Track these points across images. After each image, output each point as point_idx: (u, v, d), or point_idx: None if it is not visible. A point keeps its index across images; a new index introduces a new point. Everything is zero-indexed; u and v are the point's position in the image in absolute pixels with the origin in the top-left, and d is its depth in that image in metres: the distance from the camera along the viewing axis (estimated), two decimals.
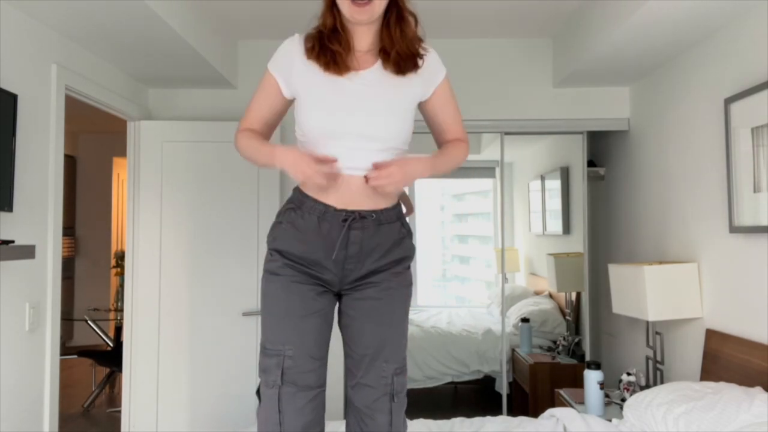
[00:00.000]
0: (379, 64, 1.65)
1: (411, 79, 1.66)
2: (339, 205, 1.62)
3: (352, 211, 1.62)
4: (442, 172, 1.69)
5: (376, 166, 1.57)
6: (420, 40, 1.69)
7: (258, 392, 1.66)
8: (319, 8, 1.66)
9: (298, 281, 1.63)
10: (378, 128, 1.60)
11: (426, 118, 1.78)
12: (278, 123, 1.77)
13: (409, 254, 1.72)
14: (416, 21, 1.67)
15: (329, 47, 1.61)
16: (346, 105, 1.60)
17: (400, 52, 1.64)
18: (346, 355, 1.70)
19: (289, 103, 1.73)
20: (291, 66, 1.65)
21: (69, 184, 6.77)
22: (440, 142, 1.79)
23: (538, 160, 4.57)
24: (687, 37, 2.81)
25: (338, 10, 1.61)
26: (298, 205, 1.69)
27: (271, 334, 1.62)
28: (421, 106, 1.75)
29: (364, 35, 1.65)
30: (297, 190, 1.72)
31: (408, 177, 1.60)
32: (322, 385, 1.66)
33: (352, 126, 1.58)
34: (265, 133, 1.75)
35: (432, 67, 1.71)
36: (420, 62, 1.67)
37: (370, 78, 1.64)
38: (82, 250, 7.09)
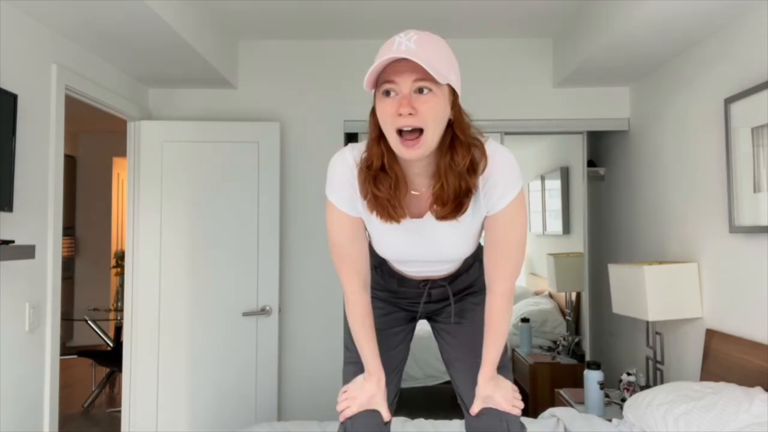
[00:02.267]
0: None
1: (473, 205, 1.44)
2: (417, 279, 1.70)
3: (430, 279, 1.69)
4: (501, 343, 1.57)
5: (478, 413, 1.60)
6: (473, 173, 1.39)
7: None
8: (366, 130, 1.44)
9: (384, 302, 1.73)
10: (447, 255, 1.57)
11: (485, 224, 1.53)
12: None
13: None
14: (469, 150, 1.37)
15: (380, 197, 1.40)
16: (410, 243, 1.52)
17: (444, 196, 1.39)
18: (447, 366, 1.77)
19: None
20: (352, 194, 1.47)
21: (69, 184, 6.78)
22: (484, 264, 1.56)
23: (538, 160, 4.57)
24: (687, 37, 2.81)
25: (386, 144, 1.37)
26: (378, 264, 1.71)
27: (352, 344, 1.67)
28: (487, 219, 1.50)
29: (420, 164, 1.40)
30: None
31: (509, 392, 1.60)
32: (393, 402, 1.72)
33: (421, 256, 1.55)
34: (366, 267, 1.58)
35: (501, 183, 1.41)
36: (466, 202, 1.41)
37: (432, 220, 1.46)
38: (82, 250, 7.09)
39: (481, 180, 1.41)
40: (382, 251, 1.58)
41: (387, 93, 1.30)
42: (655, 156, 3.37)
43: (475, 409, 1.60)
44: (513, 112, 3.69)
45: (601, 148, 4.17)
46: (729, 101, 2.59)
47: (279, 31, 3.57)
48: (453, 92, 1.34)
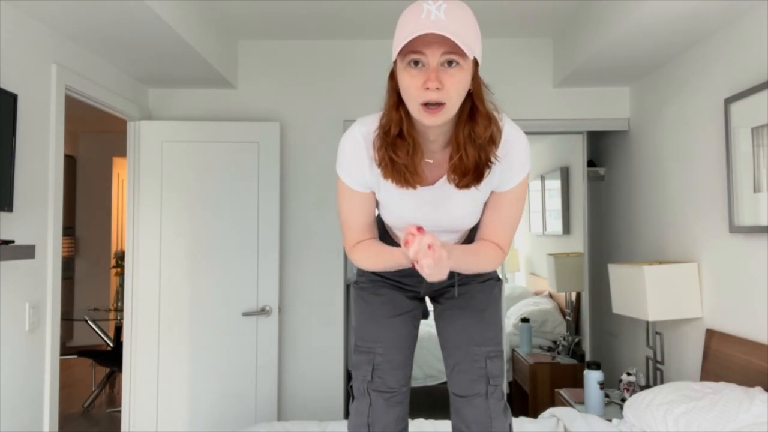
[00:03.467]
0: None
1: (489, 176, 1.44)
2: None
3: None
4: (462, 270, 1.54)
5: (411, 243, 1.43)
6: (492, 145, 1.41)
7: (350, 388, 1.76)
8: (382, 100, 1.43)
9: (388, 287, 1.74)
10: (456, 224, 1.57)
11: (489, 201, 1.55)
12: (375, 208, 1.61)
13: None
14: (490, 122, 1.39)
15: (397, 162, 1.40)
16: (421, 210, 1.52)
17: (463, 167, 1.40)
18: (442, 347, 1.76)
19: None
20: (362, 171, 1.48)
21: (69, 184, 6.78)
22: (480, 230, 1.58)
23: (538, 160, 4.57)
24: (687, 37, 2.81)
25: (405, 110, 1.36)
26: (383, 237, 1.71)
27: (364, 332, 1.72)
28: (492, 193, 1.53)
29: (436, 131, 1.40)
30: (380, 221, 1.69)
31: (442, 270, 1.45)
32: (408, 383, 1.73)
33: (430, 224, 1.54)
34: (373, 231, 1.60)
35: (517, 162, 1.45)
36: (486, 172, 1.42)
37: (445, 188, 1.48)
38: (82, 250, 7.09)
39: (499, 153, 1.42)
40: (392, 218, 1.58)
41: (415, 63, 1.27)
42: (655, 156, 3.37)
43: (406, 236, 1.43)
44: (513, 112, 3.61)
45: (601, 148, 4.17)
46: (729, 101, 2.58)
47: (279, 31, 3.57)
48: (475, 63, 1.35)
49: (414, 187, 1.43)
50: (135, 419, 3.43)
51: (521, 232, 4.66)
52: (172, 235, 3.49)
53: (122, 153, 3.84)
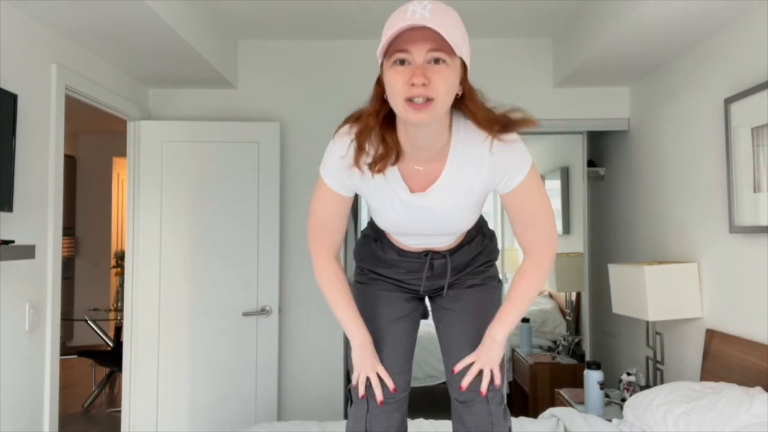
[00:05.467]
0: (442, 179, 1.45)
1: (479, 177, 1.44)
2: (418, 250, 1.68)
3: (431, 251, 1.68)
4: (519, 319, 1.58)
5: (461, 371, 1.60)
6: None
7: (349, 391, 1.75)
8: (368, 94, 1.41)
9: (387, 289, 1.73)
10: (449, 228, 1.56)
11: (503, 203, 1.54)
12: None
13: (493, 257, 1.77)
14: (480, 117, 1.37)
15: (378, 170, 1.40)
16: (411, 216, 1.51)
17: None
18: (442, 351, 1.75)
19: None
20: (349, 177, 1.47)
21: (69, 184, 6.77)
22: (517, 237, 1.57)
23: (538, 160, 4.55)
24: (687, 37, 2.81)
25: (385, 117, 1.36)
26: (378, 236, 1.72)
27: None
28: (501, 196, 1.51)
29: (426, 136, 1.38)
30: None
31: (495, 361, 1.58)
32: (407, 389, 1.71)
33: (422, 229, 1.55)
34: (339, 238, 1.62)
35: (508, 161, 1.41)
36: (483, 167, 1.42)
37: (436, 195, 1.46)
38: (82, 250, 7.09)
39: (488, 156, 1.40)
40: (383, 223, 1.58)
41: (401, 62, 1.26)
42: (655, 156, 3.37)
43: (466, 381, 1.58)
44: None
45: (601, 148, 4.17)
46: (729, 101, 2.58)
47: (279, 31, 3.57)
48: (463, 66, 1.32)
49: (382, 172, 1.41)
50: (135, 419, 3.43)
51: None
52: (172, 235, 3.49)
53: (122, 153, 3.84)
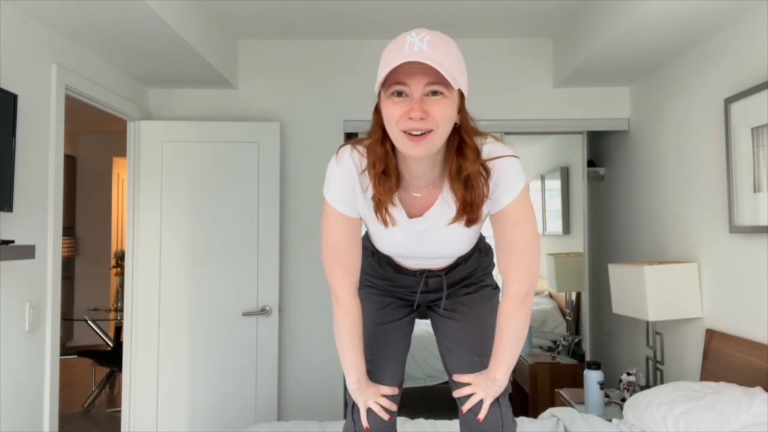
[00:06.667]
0: (438, 204, 1.44)
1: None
2: (415, 269, 1.68)
3: (427, 269, 1.67)
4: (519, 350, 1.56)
5: (464, 394, 1.60)
6: (483, 178, 1.38)
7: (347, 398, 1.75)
8: (370, 125, 1.41)
9: (381, 294, 1.71)
10: (447, 252, 1.56)
11: (491, 223, 1.51)
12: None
13: (489, 270, 1.76)
14: (478, 156, 1.36)
15: (379, 198, 1.40)
16: (410, 242, 1.52)
17: (455, 203, 1.40)
18: (443, 358, 1.74)
19: None
20: (354, 196, 1.45)
21: (69, 184, 6.77)
22: (500, 264, 1.53)
23: (538, 160, 4.57)
24: (687, 37, 2.81)
25: (390, 144, 1.35)
26: (376, 251, 1.70)
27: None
28: (491, 216, 1.49)
29: (423, 166, 1.39)
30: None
31: (496, 395, 1.58)
32: (399, 386, 1.71)
33: (420, 254, 1.55)
34: (360, 263, 1.56)
35: (504, 181, 1.39)
36: (477, 210, 1.41)
37: (432, 220, 1.46)
38: (82, 250, 7.09)
39: (491, 182, 1.39)
40: (382, 248, 1.58)
41: (398, 94, 1.27)
42: (655, 156, 3.37)
43: (466, 407, 1.60)
44: (513, 112, 3.68)
45: (601, 148, 4.17)
46: (729, 101, 2.58)
47: (279, 31, 3.57)
48: (461, 96, 1.32)
49: (386, 227, 1.43)
50: (135, 419, 3.43)
51: None
52: (172, 235, 3.49)
53: (122, 153, 3.84)
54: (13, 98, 2.26)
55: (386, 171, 1.37)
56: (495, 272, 1.74)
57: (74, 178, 7.02)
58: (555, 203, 4.34)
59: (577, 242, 3.97)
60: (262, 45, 3.72)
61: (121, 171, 7.15)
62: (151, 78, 3.50)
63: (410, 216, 1.46)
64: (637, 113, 3.62)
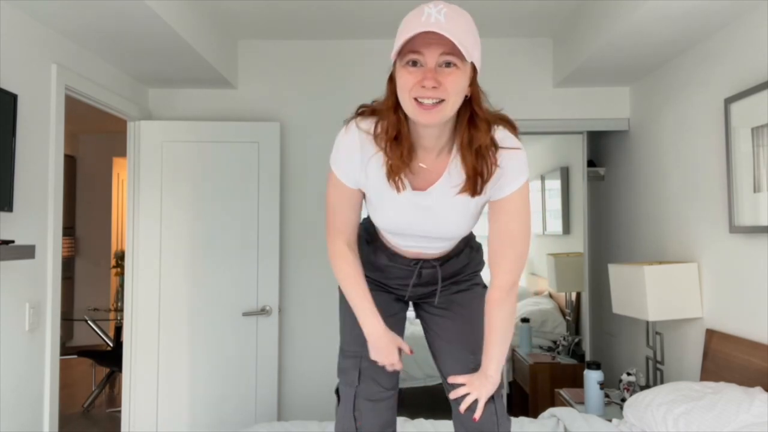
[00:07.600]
0: (444, 178, 1.47)
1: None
2: (409, 257, 1.68)
3: (421, 259, 1.68)
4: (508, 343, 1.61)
5: (458, 391, 1.61)
6: (492, 150, 1.42)
7: (337, 391, 1.75)
8: (381, 93, 1.44)
9: (374, 289, 1.71)
10: (446, 232, 1.57)
11: (489, 212, 1.55)
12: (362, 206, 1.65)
13: (479, 268, 1.79)
14: (489, 127, 1.41)
15: (390, 164, 1.43)
16: (411, 215, 1.52)
17: (465, 173, 1.42)
18: (434, 357, 1.75)
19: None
20: (354, 168, 1.50)
21: (69, 184, 6.78)
22: (491, 254, 1.56)
23: (538, 160, 4.57)
24: (687, 37, 2.81)
25: (402, 112, 1.37)
26: (371, 239, 1.72)
27: (350, 337, 1.70)
28: (490, 203, 1.53)
29: (432, 135, 1.41)
30: (369, 222, 1.71)
31: (489, 393, 1.60)
32: (395, 387, 1.71)
33: (419, 230, 1.56)
34: (354, 228, 1.63)
35: (511, 169, 1.44)
36: (485, 180, 1.43)
37: (437, 194, 1.48)
38: (82, 250, 7.09)
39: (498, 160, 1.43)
40: (382, 221, 1.58)
41: (413, 63, 1.30)
42: (655, 156, 3.37)
43: (462, 407, 1.60)
44: (513, 112, 3.60)
45: (601, 148, 4.17)
46: (729, 101, 2.58)
47: (279, 31, 3.57)
48: (473, 69, 1.36)
49: (398, 191, 1.45)
50: (135, 419, 3.43)
51: None
52: (172, 235, 3.49)
53: (122, 153, 3.84)
54: (13, 98, 2.26)
55: (398, 137, 1.40)
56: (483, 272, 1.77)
57: (74, 178, 7.02)
58: (555, 203, 4.34)
59: (577, 242, 3.97)
60: (262, 45, 3.72)
61: (121, 171, 7.15)
62: (151, 78, 3.50)
63: (414, 188, 1.48)
64: (637, 113, 3.62)
